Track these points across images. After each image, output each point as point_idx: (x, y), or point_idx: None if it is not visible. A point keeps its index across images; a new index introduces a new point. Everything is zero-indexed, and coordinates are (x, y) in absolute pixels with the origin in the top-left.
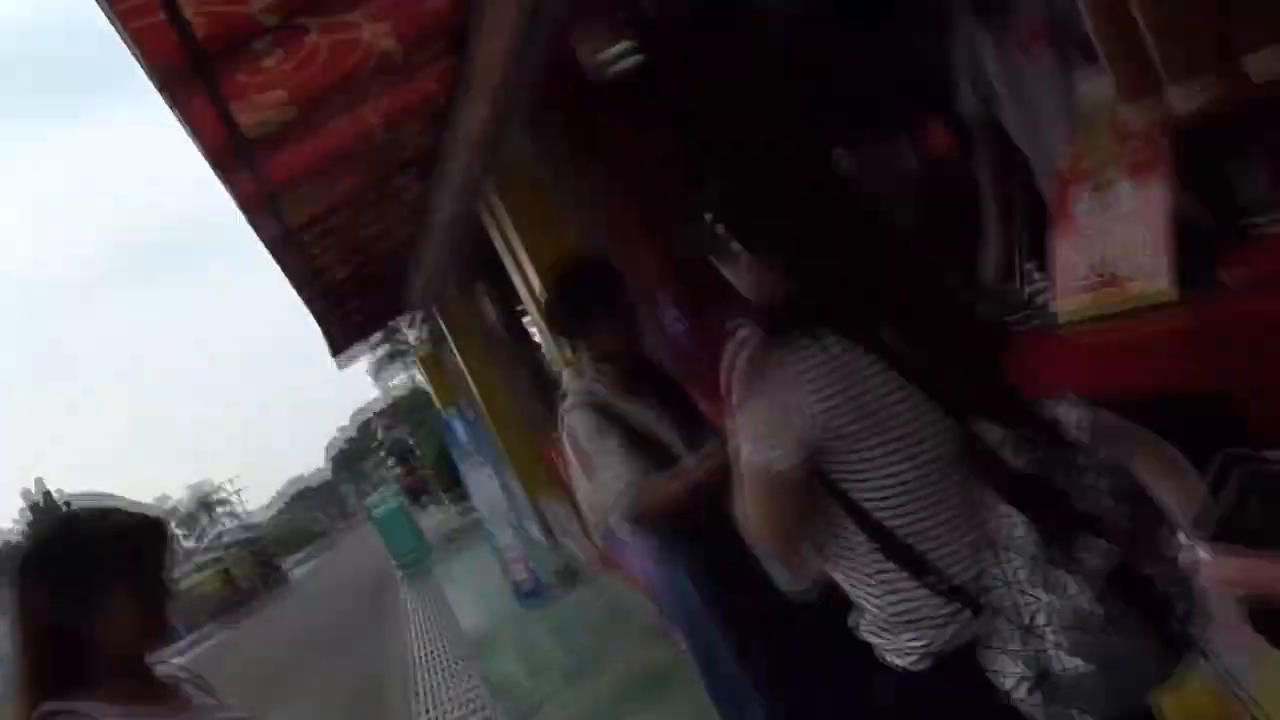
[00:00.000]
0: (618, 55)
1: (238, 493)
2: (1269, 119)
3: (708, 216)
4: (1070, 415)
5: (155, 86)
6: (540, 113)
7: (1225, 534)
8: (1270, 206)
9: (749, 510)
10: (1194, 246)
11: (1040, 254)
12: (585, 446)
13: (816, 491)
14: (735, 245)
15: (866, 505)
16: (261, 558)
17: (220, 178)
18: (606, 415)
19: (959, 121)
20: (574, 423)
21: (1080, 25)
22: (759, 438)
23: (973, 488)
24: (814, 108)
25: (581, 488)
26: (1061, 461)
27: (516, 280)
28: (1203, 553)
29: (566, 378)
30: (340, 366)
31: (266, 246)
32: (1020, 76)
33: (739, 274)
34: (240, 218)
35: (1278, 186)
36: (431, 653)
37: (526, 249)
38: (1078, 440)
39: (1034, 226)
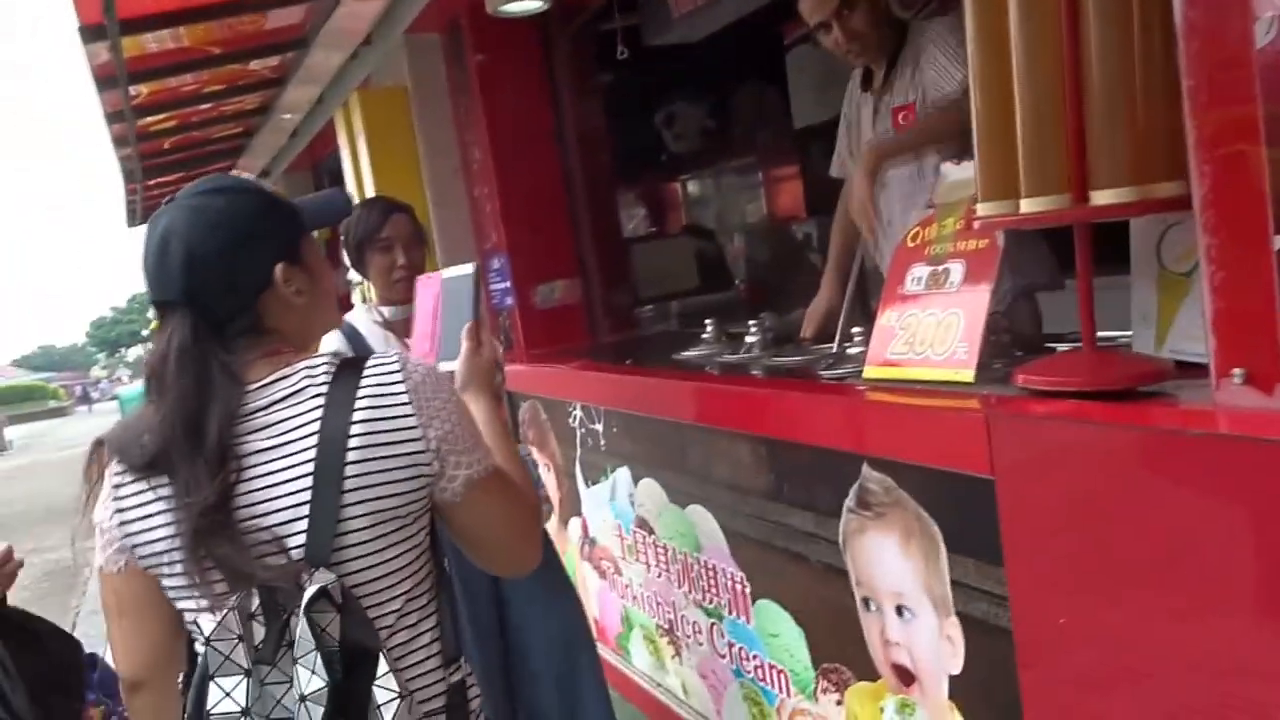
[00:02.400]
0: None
1: None
2: (1095, 252)
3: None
4: None
5: None
6: (426, 29)
7: None
8: (1066, 335)
9: None
10: (1001, 347)
11: (866, 317)
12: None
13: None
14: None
15: None
16: None
17: None
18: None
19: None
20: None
21: (951, 118)
22: None
23: None
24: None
25: None
26: None
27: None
28: None
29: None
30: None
31: (95, 81)
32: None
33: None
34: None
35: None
36: None
37: (373, 169)
38: None
39: (864, 291)
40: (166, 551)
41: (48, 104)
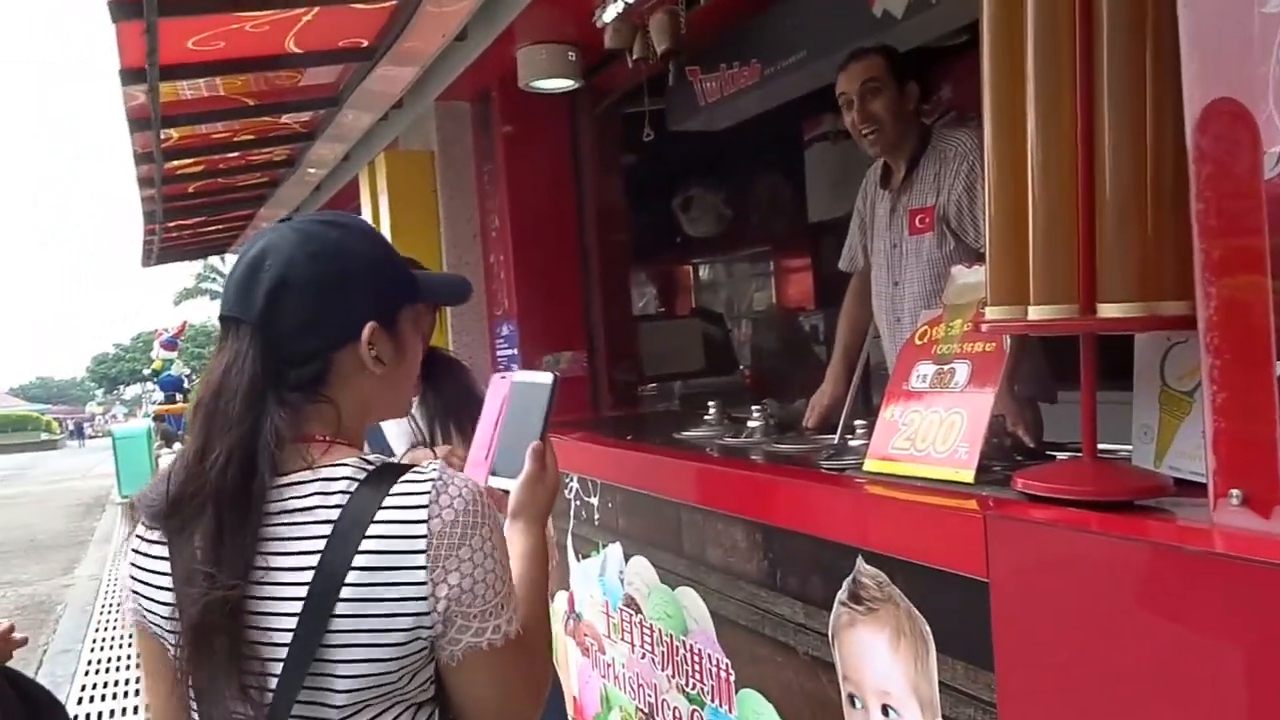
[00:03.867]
0: (553, 78)
1: None
2: (1098, 363)
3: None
4: None
5: None
6: (457, 97)
7: None
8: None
9: None
10: (1001, 450)
11: (868, 411)
12: None
13: None
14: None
15: None
16: None
17: (115, 20)
18: None
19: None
20: None
21: (967, 222)
22: None
23: None
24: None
25: None
26: None
27: None
28: None
29: None
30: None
31: (129, 121)
32: (901, 245)
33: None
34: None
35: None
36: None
37: (393, 228)
38: None
39: (867, 385)
40: (166, 619)
41: (71, 140)
